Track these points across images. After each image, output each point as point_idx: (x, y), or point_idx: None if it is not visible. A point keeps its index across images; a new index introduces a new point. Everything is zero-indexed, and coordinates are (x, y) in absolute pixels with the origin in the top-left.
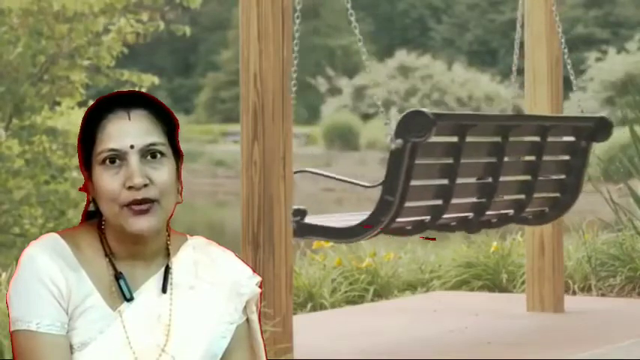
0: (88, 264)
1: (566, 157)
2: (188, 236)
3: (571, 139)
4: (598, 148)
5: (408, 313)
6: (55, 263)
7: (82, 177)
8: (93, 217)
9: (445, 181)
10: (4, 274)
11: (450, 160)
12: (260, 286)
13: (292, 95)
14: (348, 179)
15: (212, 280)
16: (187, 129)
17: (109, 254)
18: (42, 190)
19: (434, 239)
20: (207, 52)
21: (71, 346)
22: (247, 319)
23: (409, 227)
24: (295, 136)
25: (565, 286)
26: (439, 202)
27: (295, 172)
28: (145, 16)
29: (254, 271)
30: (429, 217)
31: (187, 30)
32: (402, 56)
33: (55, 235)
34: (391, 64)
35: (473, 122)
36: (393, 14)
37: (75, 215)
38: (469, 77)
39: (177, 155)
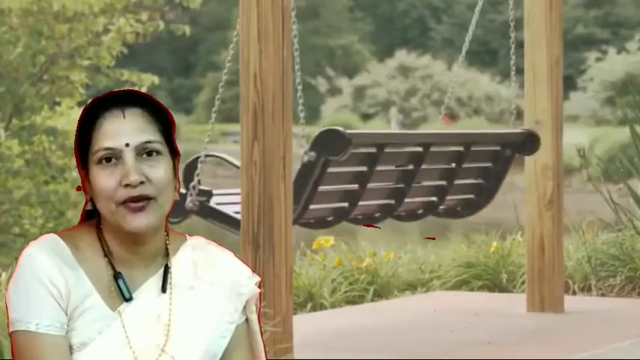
0: (87, 264)
1: (488, 164)
2: (187, 236)
3: (496, 148)
4: (598, 149)
5: (408, 313)
6: (54, 264)
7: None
8: (92, 217)
9: (355, 187)
10: (4, 274)
11: (364, 168)
12: (259, 286)
13: (299, 94)
14: (231, 160)
15: (211, 280)
16: (187, 129)
17: (108, 254)
18: (42, 191)
19: (434, 239)
20: (207, 52)
21: (71, 347)
22: (247, 319)
23: (312, 221)
24: (295, 136)
25: (565, 286)
26: (345, 204)
27: (208, 156)
28: (144, 16)
29: (254, 271)
30: (332, 217)
31: (187, 29)
32: (402, 56)
33: (54, 236)
34: (391, 64)
35: (389, 141)
36: (393, 14)
37: (75, 215)
38: (469, 77)
39: (174, 153)
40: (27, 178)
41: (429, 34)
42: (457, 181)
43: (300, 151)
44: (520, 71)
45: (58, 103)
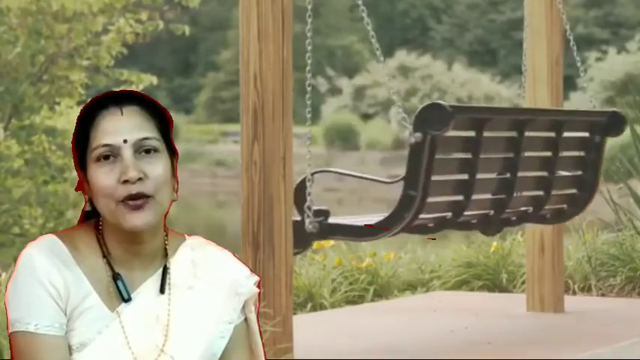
0: (86, 265)
1: (581, 153)
2: (186, 236)
3: (585, 134)
4: None
5: (408, 313)
6: (53, 264)
7: None
8: (91, 217)
9: (465, 176)
10: (4, 274)
11: (469, 155)
12: (258, 286)
13: (308, 95)
14: (369, 176)
15: (210, 280)
16: (187, 129)
17: (107, 255)
18: (41, 190)
19: (434, 239)
20: (207, 52)
21: (70, 347)
22: (246, 319)
23: (431, 224)
24: (296, 136)
25: (565, 286)
26: (460, 197)
27: (315, 173)
28: (144, 16)
29: (253, 271)
30: (450, 214)
31: (186, 29)
32: (402, 56)
33: (52, 237)
34: (391, 64)
35: (489, 115)
36: (393, 14)
37: (75, 215)
38: (469, 77)
39: (172, 152)
40: (26, 178)
41: (428, 34)
42: (558, 173)
43: (300, 151)
44: (520, 71)
45: (58, 103)
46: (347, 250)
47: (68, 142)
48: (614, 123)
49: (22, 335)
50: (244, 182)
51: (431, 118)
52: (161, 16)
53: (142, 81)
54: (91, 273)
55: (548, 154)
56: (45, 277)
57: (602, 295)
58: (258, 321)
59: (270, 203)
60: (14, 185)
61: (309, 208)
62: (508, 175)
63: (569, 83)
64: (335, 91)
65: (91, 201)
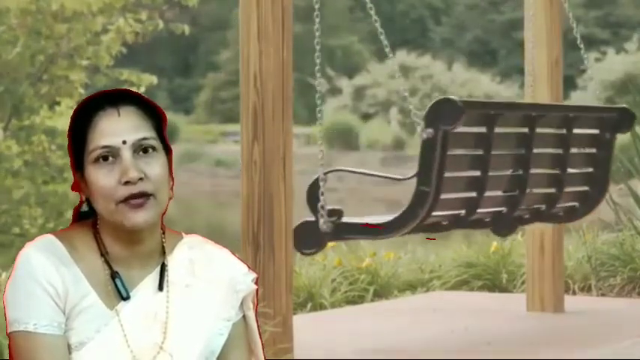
0: (84, 264)
1: (592, 150)
2: (183, 234)
3: (595, 131)
4: None
5: (408, 313)
6: (51, 263)
7: None
8: (85, 217)
9: (477, 173)
10: (4, 274)
11: (481, 152)
12: (256, 283)
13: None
14: (380, 174)
15: (208, 278)
16: (187, 129)
17: (105, 253)
18: (41, 191)
19: (434, 239)
20: (207, 52)
21: (69, 346)
22: (244, 316)
23: (445, 222)
24: (295, 136)
25: (565, 286)
26: (473, 194)
27: (327, 172)
28: (143, 16)
29: (250, 268)
30: (463, 212)
31: (186, 28)
32: (402, 56)
33: (50, 236)
34: (393, 63)
35: (500, 111)
36: (393, 14)
37: None
38: (469, 77)
39: (167, 150)
40: (26, 179)
41: (428, 34)
42: (570, 170)
43: (299, 151)
44: (520, 71)
45: (58, 103)
46: (347, 250)
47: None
48: (623, 119)
49: (21, 335)
50: (244, 182)
51: (442, 113)
52: (161, 15)
53: (141, 81)
54: (90, 272)
55: (559, 150)
56: (43, 277)
57: (602, 295)
58: (256, 318)
59: (270, 203)
60: (14, 185)
61: (322, 207)
62: (520, 171)
63: (569, 83)
64: (335, 91)
65: (87, 201)
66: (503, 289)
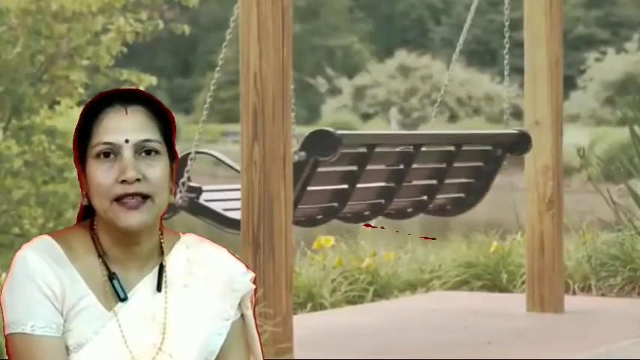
0: (81, 265)
1: (479, 164)
2: (181, 234)
3: (487, 147)
4: (598, 149)
5: (408, 313)
6: (48, 265)
7: None
8: (89, 212)
9: (345, 186)
10: (3, 275)
11: (354, 168)
12: (254, 282)
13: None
14: (228, 162)
15: (206, 278)
16: (187, 129)
17: (102, 254)
18: (41, 191)
19: (434, 239)
20: (207, 52)
21: (67, 348)
22: (242, 315)
23: (303, 219)
24: (295, 136)
25: (565, 286)
26: (334, 204)
27: (198, 153)
28: (143, 15)
29: (248, 267)
30: (321, 216)
31: (186, 28)
32: (402, 56)
33: (47, 237)
34: (391, 64)
35: (379, 141)
36: (393, 14)
37: (74, 215)
38: (469, 77)
39: (173, 156)
40: (26, 179)
41: (428, 34)
42: (448, 180)
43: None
44: (520, 71)
45: (58, 103)
46: (347, 250)
47: (68, 143)
48: (520, 142)
49: (18, 337)
50: (244, 182)
51: (319, 144)
52: (161, 15)
53: (141, 81)
54: (87, 273)
55: (442, 165)
56: (40, 278)
57: (602, 295)
58: (254, 317)
59: (270, 203)
60: (14, 185)
61: (183, 184)
62: (392, 184)
63: (570, 83)
64: (335, 91)
65: (87, 196)
66: (503, 289)
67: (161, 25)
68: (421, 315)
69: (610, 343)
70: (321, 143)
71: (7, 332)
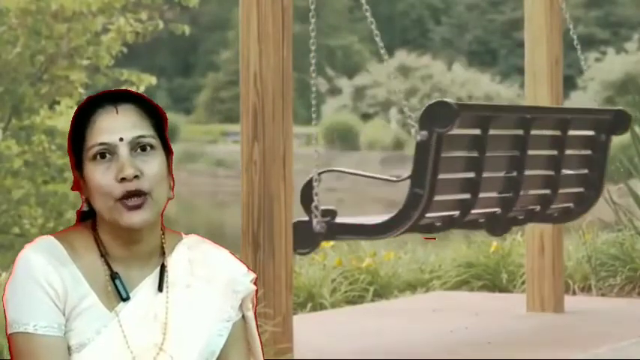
0: (84, 265)
1: (588, 152)
2: (183, 235)
3: (591, 133)
4: None
5: (408, 313)
6: (51, 265)
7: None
8: (87, 217)
9: (472, 175)
10: (3, 275)
11: (475, 154)
12: (255, 283)
13: (312, 91)
14: (374, 175)
15: (208, 278)
16: (187, 129)
17: (104, 254)
18: (41, 191)
19: (434, 239)
20: (207, 52)
21: (69, 348)
22: (243, 316)
23: (438, 223)
24: (295, 136)
25: (565, 286)
26: (467, 195)
27: (321, 173)
28: (143, 15)
29: (249, 268)
30: (457, 213)
31: (186, 29)
32: (402, 56)
33: (49, 237)
34: (391, 64)
35: (495, 113)
36: (392, 15)
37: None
38: (469, 77)
39: (167, 150)
40: (26, 179)
41: (428, 34)
42: (564, 172)
43: (298, 151)
44: (520, 71)
45: (58, 103)
46: (347, 250)
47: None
48: (619, 121)
49: (20, 336)
50: (244, 182)
51: (437, 115)
52: (161, 15)
53: (141, 81)
54: (89, 273)
55: (554, 152)
56: (43, 278)
57: (602, 295)
58: (255, 318)
59: (270, 203)
60: (14, 185)
61: (316, 207)
62: (515, 173)
63: (569, 83)
64: (335, 91)
65: (87, 201)
66: (503, 289)
67: (161, 25)
68: (421, 315)
69: (610, 343)
70: (438, 115)
71: (9, 332)
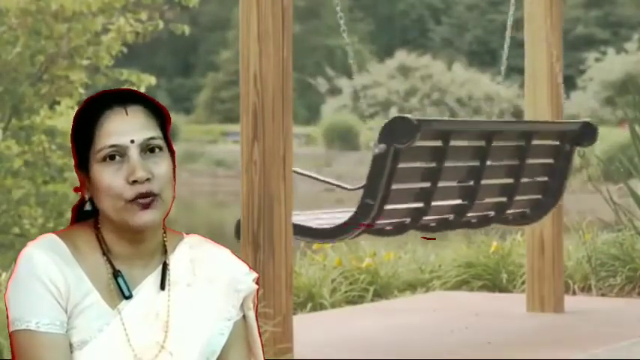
0: (86, 263)
1: (550, 161)
2: (184, 234)
3: (555, 142)
4: (598, 149)
5: (408, 313)
6: (53, 262)
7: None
8: (85, 216)
9: (427, 184)
10: (4, 274)
11: (433, 164)
12: (257, 283)
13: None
14: (330, 181)
15: (209, 277)
16: (187, 129)
17: (107, 252)
18: (41, 191)
19: (434, 239)
20: (207, 52)
21: (71, 345)
22: (244, 316)
23: (389, 228)
24: (295, 136)
25: (565, 286)
26: (420, 204)
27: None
28: (144, 16)
29: (251, 268)
30: (409, 219)
31: (186, 29)
32: (402, 56)
33: (52, 236)
34: (391, 64)
35: (456, 128)
36: (392, 14)
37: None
38: (469, 77)
39: (170, 150)
40: (26, 179)
41: (428, 34)
42: (523, 180)
43: (298, 151)
44: (520, 71)
45: (58, 103)
46: (347, 250)
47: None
48: (585, 133)
49: (22, 334)
50: (244, 182)
51: (397, 131)
52: (161, 15)
53: (141, 81)
54: (92, 271)
55: (515, 162)
56: (45, 276)
57: (602, 295)
58: (256, 318)
59: (270, 203)
60: (14, 185)
61: None
62: (471, 182)
63: (569, 83)
64: (335, 91)
65: (91, 200)
66: (503, 289)
67: (161, 25)
68: (421, 315)
69: (610, 343)
70: (398, 130)
71: (11, 329)
